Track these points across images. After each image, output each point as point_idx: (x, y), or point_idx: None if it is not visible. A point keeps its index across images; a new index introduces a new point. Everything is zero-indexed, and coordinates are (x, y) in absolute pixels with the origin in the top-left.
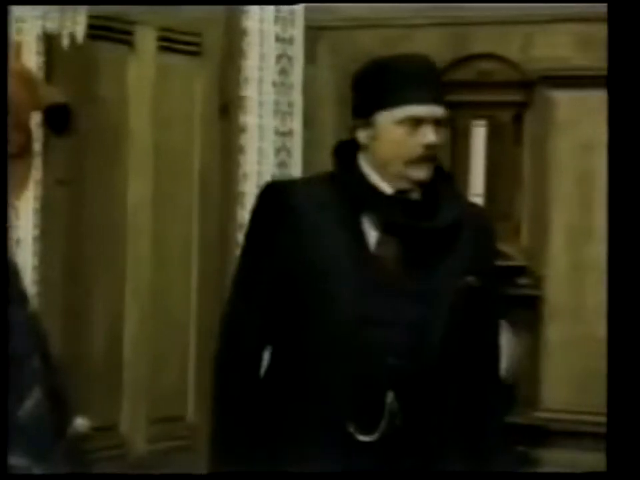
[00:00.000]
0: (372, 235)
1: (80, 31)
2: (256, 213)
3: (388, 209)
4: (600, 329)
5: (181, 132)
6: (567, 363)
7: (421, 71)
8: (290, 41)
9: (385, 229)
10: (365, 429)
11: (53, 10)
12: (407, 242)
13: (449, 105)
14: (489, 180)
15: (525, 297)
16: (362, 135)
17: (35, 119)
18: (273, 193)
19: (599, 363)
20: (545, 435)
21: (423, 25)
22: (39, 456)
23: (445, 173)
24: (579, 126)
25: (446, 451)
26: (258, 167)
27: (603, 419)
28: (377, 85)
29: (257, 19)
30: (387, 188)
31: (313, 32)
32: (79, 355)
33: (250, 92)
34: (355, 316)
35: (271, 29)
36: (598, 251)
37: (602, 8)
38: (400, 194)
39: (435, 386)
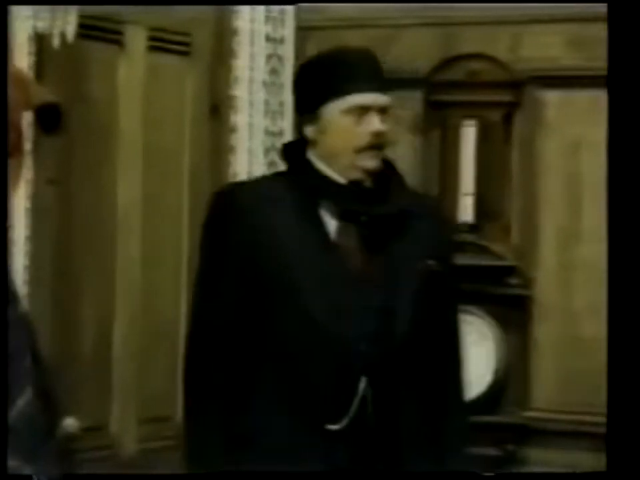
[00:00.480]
0: (331, 225)
1: (70, 30)
2: (209, 219)
3: (344, 197)
4: (590, 328)
5: (171, 131)
6: (557, 362)
7: (363, 61)
8: (280, 40)
9: (342, 216)
10: (336, 417)
11: (44, 9)
12: (366, 229)
13: (439, 105)
14: (478, 180)
15: (515, 296)
16: (309, 130)
17: (26, 118)
18: (224, 196)
19: (589, 362)
20: (534, 434)
21: (412, 25)
22: (29, 456)
23: (394, 167)
24: (569, 126)
25: (413, 440)
26: (248, 166)
27: (593, 418)
28: (320, 78)
29: (247, 19)
30: (339, 179)
31: (303, 32)
32: (68, 355)
33: (240, 92)
34: (323, 305)
35: (262, 29)
36: (587, 250)
37: (598, 8)
38: (353, 183)
39: (405, 371)
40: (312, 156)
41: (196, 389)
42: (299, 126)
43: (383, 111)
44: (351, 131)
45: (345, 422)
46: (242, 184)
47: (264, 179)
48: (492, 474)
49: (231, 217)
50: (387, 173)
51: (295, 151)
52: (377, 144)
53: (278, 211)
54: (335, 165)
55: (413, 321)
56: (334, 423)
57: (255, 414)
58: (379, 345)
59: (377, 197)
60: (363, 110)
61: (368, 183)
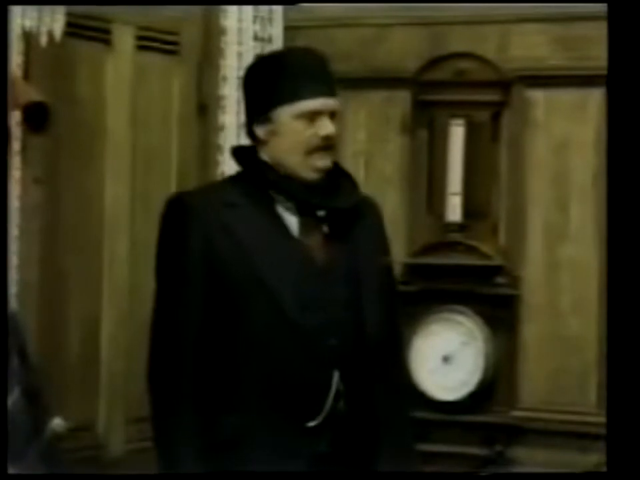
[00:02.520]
0: (291, 221)
1: (58, 29)
2: (164, 227)
3: (301, 192)
4: (577, 328)
5: (159, 130)
6: (545, 362)
7: (312, 64)
8: (268, 40)
9: (301, 212)
10: (312, 413)
11: (31, 8)
12: (325, 223)
13: (427, 105)
14: (466, 179)
15: (503, 296)
16: (260, 131)
17: (14, 117)
18: (177, 204)
19: (577, 361)
20: (523, 433)
21: (399, 25)
22: (15, 455)
23: (342, 167)
24: (557, 125)
25: (388, 430)
26: (236, 166)
27: (581, 418)
28: (270, 83)
29: (235, 18)
30: (293, 177)
31: (291, 31)
32: (56, 354)
33: (228, 91)
34: (292, 300)
35: (250, 28)
36: (575, 250)
37: (588, 7)
38: (310, 180)
39: (374, 366)
40: (263, 155)
41: (164, 396)
42: (248, 125)
43: (332, 114)
44: (302, 134)
45: (321, 417)
46: (195, 189)
47: (216, 183)
48: (487, 474)
49: (186, 222)
50: (337, 171)
51: (246, 153)
52: (327, 145)
53: (235, 213)
54: (287, 165)
55: (377, 312)
56: (310, 418)
57: (232, 416)
58: (348, 338)
59: (332, 193)
60: (314, 114)
61: (321, 181)
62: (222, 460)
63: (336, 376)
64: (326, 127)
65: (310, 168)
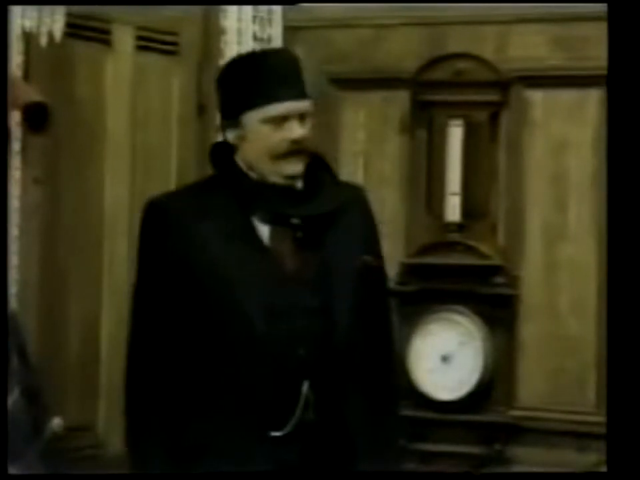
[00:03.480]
0: (263, 229)
1: (58, 29)
2: (141, 230)
3: (273, 201)
4: (575, 327)
5: (158, 131)
6: (543, 361)
7: (282, 66)
8: (268, 40)
9: (274, 221)
10: (280, 423)
11: (31, 8)
12: (299, 231)
13: (425, 105)
14: (465, 179)
15: (501, 295)
16: (231, 136)
17: (14, 117)
18: (154, 207)
19: (575, 361)
20: (521, 432)
21: (398, 25)
22: (15, 455)
23: (321, 160)
24: (555, 125)
25: (361, 437)
26: None
27: (579, 417)
28: (240, 85)
29: (234, 18)
30: (265, 182)
31: (290, 32)
32: (55, 354)
33: None
34: (260, 310)
35: (249, 28)
36: (573, 249)
37: (586, 8)
38: (281, 185)
39: (346, 370)
40: (238, 159)
41: (137, 404)
42: (222, 129)
43: (302, 116)
44: (270, 138)
45: (289, 427)
46: (171, 193)
47: (195, 186)
48: (485, 473)
49: (161, 227)
50: (317, 171)
51: (223, 154)
52: (297, 149)
53: (209, 218)
54: (258, 170)
55: (351, 319)
56: (279, 428)
57: (201, 424)
58: (318, 347)
59: (307, 198)
60: (283, 117)
61: (297, 185)
62: (189, 467)
63: (305, 385)
64: (294, 130)
65: (279, 174)
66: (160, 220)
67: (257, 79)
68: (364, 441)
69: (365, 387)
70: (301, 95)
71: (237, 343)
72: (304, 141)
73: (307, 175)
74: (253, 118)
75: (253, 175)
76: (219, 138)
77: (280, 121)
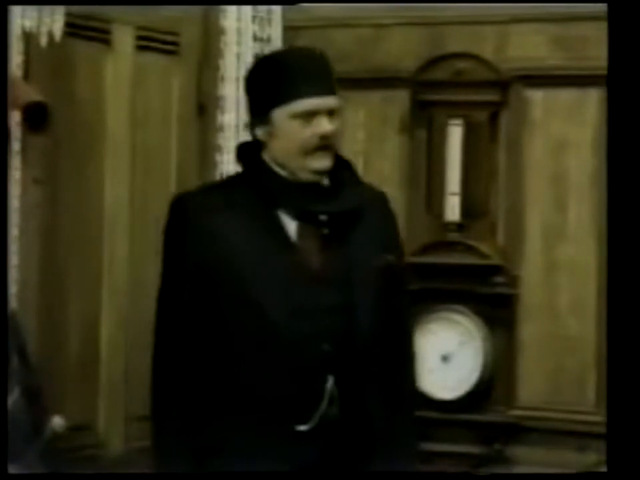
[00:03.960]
0: (290, 226)
1: (58, 29)
2: (166, 227)
3: (301, 198)
4: (575, 327)
5: (158, 131)
6: (543, 361)
7: (311, 63)
8: (267, 40)
9: (301, 217)
10: (304, 418)
11: (31, 8)
12: (325, 228)
13: (425, 105)
14: (464, 179)
15: (501, 295)
16: (260, 133)
17: (14, 117)
18: (180, 204)
19: (574, 360)
20: (521, 432)
21: (398, 25)
22: (15, 454)
23: (344, 160)
24: (554, 125)
25: (382, 434)
26: (235, 166)
27: (579, 417)
28: (269, 82)
29: (234, 18)
30: (293, 179)
31: (289, 32)
32: (56, 354)
33: (227, 91)
34: (285, 307)
35: (249, 28)
36: (572, 249)
37: (585, 7)
38: (308, 182)
39: (368, 370)
40: (265, 156)
41: (163, 401)
42: (250, 127)
43: (330, 112)
44: (299, 134)
45: (313, 422)
46: (198, 190)
47: (221, 183)
48: (485, 473)
49: (187, 224)
50: (341, 170)
51: (249, 152)
52: (326, 145)
53: (235, 214)
54: (287, 166)
55: (373, 317)
56: (302, 423)
57: (224, 420)
58: (342, 344)
59: (333, 195)
60: (312, 113)
61: (323, 182)
62: (212, 463)
63: (330, 381)
64: (322, 125)
65: (308, 170)
66: (185, 216)
67: (286, 76)
68: (383, 439)
69: (386, 385)
70: (329, 90)
71: (260, 338)
72: (332, 136)
73: (331, 173)
74: (282, 114)
75: (280, 171)
76: (219, 138)
77: (309, 116)
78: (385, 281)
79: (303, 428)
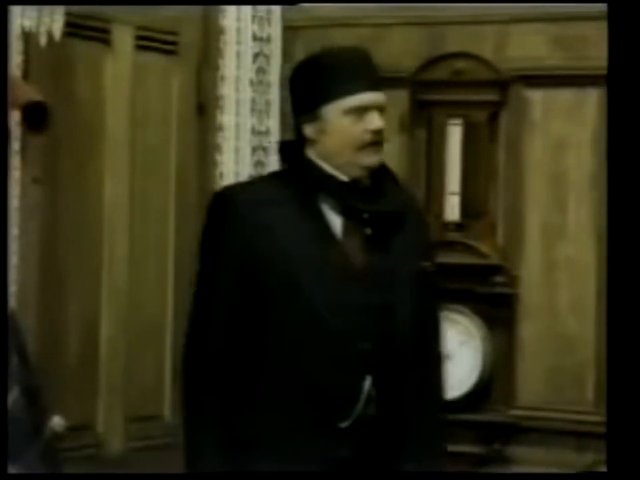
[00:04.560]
0: (334, 222)
1: (57, 29)
2: (208, 220)
3: (347, 194)
4: (574, 326)
5: (157, 130)
6: (542, 360)
7: (359, 61)
8: (267, 39)
9: (346, 214)
10: (342, 416)
11: (30, 8)
12: (368, 227)
13: (425, 105)
14: (464, 179)
15: (501, 295)
16: (309, 130)
17: (14, 117)
18: (223, 197)
19: (574, 360)
20: (520, 432)
21: (397, 25)
22: (15, 455)
23: (387, 167)
24: (554, 125)
25: (416, 435)
26: (235, 166)
27: (578, 416)
28: (319, 80)
29: (233, 18)
30: (341, 176)
31: (289, 31)
32: (55, 354)
33: (227, 91)
34: (329, 303)
35: (248, 28)
36: (572, 249)
37: (585, 7)
38: (354, 181)
39: (406, 371)
40: (310, 154)
41: (194, 392)
42: (296, 125)
43: (380, 108)
44: (353, 129)
45: (350, 420)
46: (241, 184)
47: (262, 179)
48: (485, 473)
49: (229, 217)
50: (381, 172)
51: (292, 150)
52: (377, 140)
53: (278, 210)
54: (336, 163)
55: (412, 319)
56: (339, 421)
57: (260, 414)
58: (381, 344)
59: (376, 196)
60: (363, 109)
61: (366, 181)
62: (246, 457)
63: (368, 380)
64: (375, 121)
65: (359, 165)
66: (228, 209)
67: (338, 72)
68: (415, 439)
69: (420, 387)
70: (379, 87)
71: (302, 333)
72: (382, 132)
73: (372, 176)
74: (335, 110)
75: (327, 168)
76: (219, 138)
77: (361, 112)
78: (421, 285)
79: (340, 425)
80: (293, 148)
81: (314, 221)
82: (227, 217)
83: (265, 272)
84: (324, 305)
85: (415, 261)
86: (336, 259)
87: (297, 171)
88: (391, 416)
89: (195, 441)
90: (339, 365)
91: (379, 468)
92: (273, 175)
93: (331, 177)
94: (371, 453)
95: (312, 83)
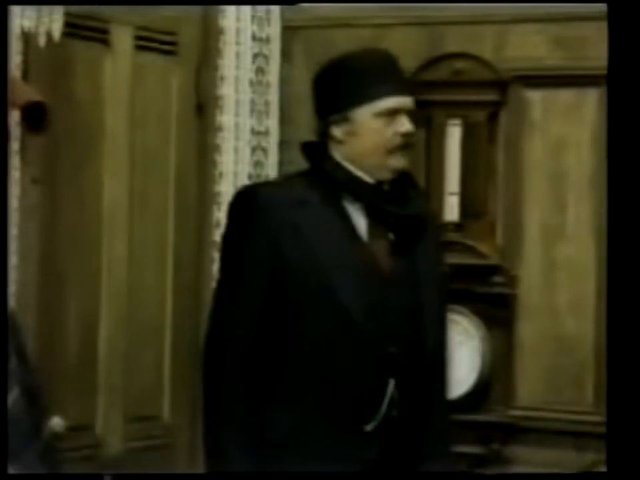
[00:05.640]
0: (360, 224)
1: (56, 29)
2: (232, 218)
3: (374, 197)
4: (574, 327)
5: (157, 131)
6: (541, 360)
7: (388, 64)
8: (266, 39)
9: (372, 216)
10: (365, 419)
11: (30, 8)
12: (393, 230)
13: (424, 105)
14: (463, 179)
15: (500, 295)
16: (337, 131)
17: (13, 117)
18: (247, 196)
19: (573, 360)
20: (519, 432)
21: (396, 25)
22: (14, 455)
23: (410, 176)
24: (553, 125)
25: (435, 438)
26: (234, 166)
27: (577, 417)
28: (349, 82)
29: (233, 18)
30: (365, 178)
31: (289, 31)
32: (54, 354)
33: (226, 91)
34: (358, 305)
35: (248, 28)
36: (571, 249)
37: (584, 7)
38: (379, 183)
39: (429, 375)
40: (336, 155)
41: (217, 392)
42: (322, 126)
43: (410, 112)
44: (383, 132)
45: (374, 423)
46: (264, 183)
47: (286, 179)
48: (484, 473)
49: (255, 216)
50: (402, 177)
51: (317, 151)
52: (407, 143)
53: (304, 210)
54: (363, 165)
55: (437, 323)
56: (365, 423)
57: (285, 414)
58: (407, 347)
59: (400, 200)
60: (393, 112)
61: (387, 185)
62: (272, 457)
63: (391, 383)
64: (405, 124)
65: (387, 168)
66: (252, 210)
67: (369, 75)
68: (434, 441)
69: (438, 389)
70: (410, 91)
71: (330, 334)
72: (412, 135)
73: (393, 181)
74: (366, 112)
75: (352, 170)
76: (218, 138)
77: (391, 115)
78: (440, 291)
79: (365, 427)
80: (317, 148)
81: (340, 222)
82: (252, 215)
83: (292, 272)
84: (353, 307)
85: (436, 265)
86: (363, 261)
87: (323, 172)
88: (412, 418)
89: (221, 442)
90: (365, 367)
91: (402, 469)
92: (298, 175)
93: (357, 179)
94: (396, 454)
95: (341, 84)
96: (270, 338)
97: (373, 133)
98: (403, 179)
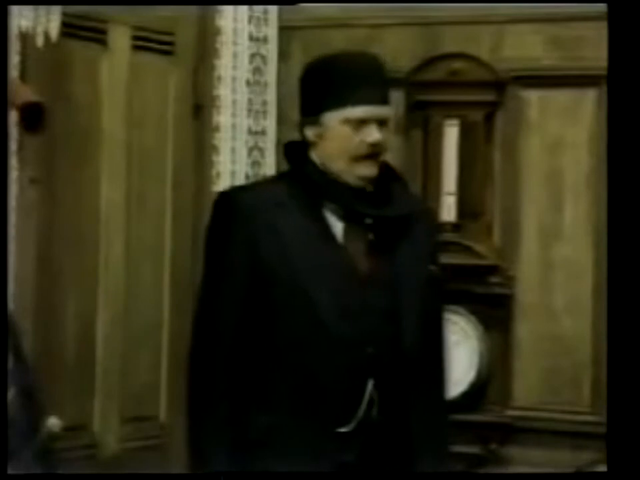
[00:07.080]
0: (337, 226)
1: (54, 29)
2: (213, 221)
3: (349, 198)
4: (571, 327)
5: (154, 131)
6: (538, 360)
7: (367, 70)
8: (264, 40)
9: (348, 218)
10: (344, 419)
11: (27, 8)
12: (371, 231)
13: (421, 105)
14: (460, 179)
15: (497, 295)
16: (310, 133)
17: (11, 117)
18: (227, 198)
19: (570, 360)
20: (516, 432)
21: (393, 25)
22: (11, 454)
23: (396, 172)
24: (550, 125)
25: (420, 439)
26: (231, 166)
27: (574, 417)
28: (323, 84)
29: (230, 18)
30: (343, 180)
31: (286, 31)
32: (51, 354)
33: (223, 91)
34: (332, 307)
35: (245, 28)
36: (568, 249)
37: (582, 7)
38: (356, 186)
39: (409, 375)
40: (313, 157)
41: (201, 392)
42: (300, 126)
43: (382, 121)
44: (349, 140)
45: (353, 424)
46: (245, 186)
47: (267, 181)
48: (481, 473)
49: (235, 218)
50: (388, 177)
51: (297, 151)
52: (374, 153)
53: (283, 213)
54: (333, 168)
55: (417, 324)
56: (342, 424)
57: (263, 415)
58: (385, 348)
59: (380, 201)
60: (362, 121)
61: (369, 187)
62: (249, 458)
63: (370, 384)
64: (372, 134)
65: (353, 175)
66: (232, 212)
67: (341, 80)
68: (422, 442)
69: (424, 390)
70: (382, 100)
71: (306, 337)
72: (381, 145)
73: (378, 181)
74: (334, 118)
75: (329, 172)
76: (215, 138)
77: (360, 123)
78: (427, 291)
79: (343, 430)
80: (298, 149)
81: (317, 224)
82: (233, 218)
83: (270, 275)
84: (327, 308)
85: (423, 265)
86: (339, 263)
87: (301, 172)
88: (394, 420)
89: (202, 441)
90: (342, 368)
91: (384, 472)
92: (277, 177)
93: (334, 181)
94: (377, 457)
95: (317, 86)
96: (250, 339)
97: (339, 139)
98: (391, 178)
